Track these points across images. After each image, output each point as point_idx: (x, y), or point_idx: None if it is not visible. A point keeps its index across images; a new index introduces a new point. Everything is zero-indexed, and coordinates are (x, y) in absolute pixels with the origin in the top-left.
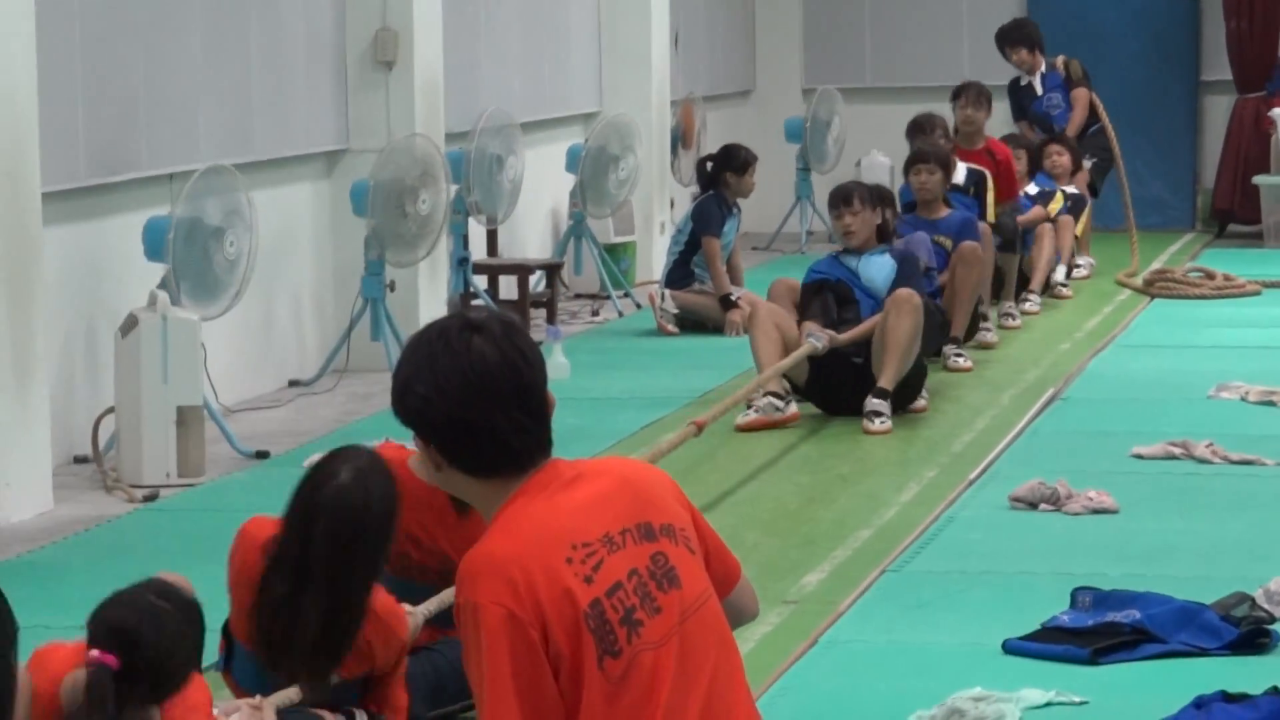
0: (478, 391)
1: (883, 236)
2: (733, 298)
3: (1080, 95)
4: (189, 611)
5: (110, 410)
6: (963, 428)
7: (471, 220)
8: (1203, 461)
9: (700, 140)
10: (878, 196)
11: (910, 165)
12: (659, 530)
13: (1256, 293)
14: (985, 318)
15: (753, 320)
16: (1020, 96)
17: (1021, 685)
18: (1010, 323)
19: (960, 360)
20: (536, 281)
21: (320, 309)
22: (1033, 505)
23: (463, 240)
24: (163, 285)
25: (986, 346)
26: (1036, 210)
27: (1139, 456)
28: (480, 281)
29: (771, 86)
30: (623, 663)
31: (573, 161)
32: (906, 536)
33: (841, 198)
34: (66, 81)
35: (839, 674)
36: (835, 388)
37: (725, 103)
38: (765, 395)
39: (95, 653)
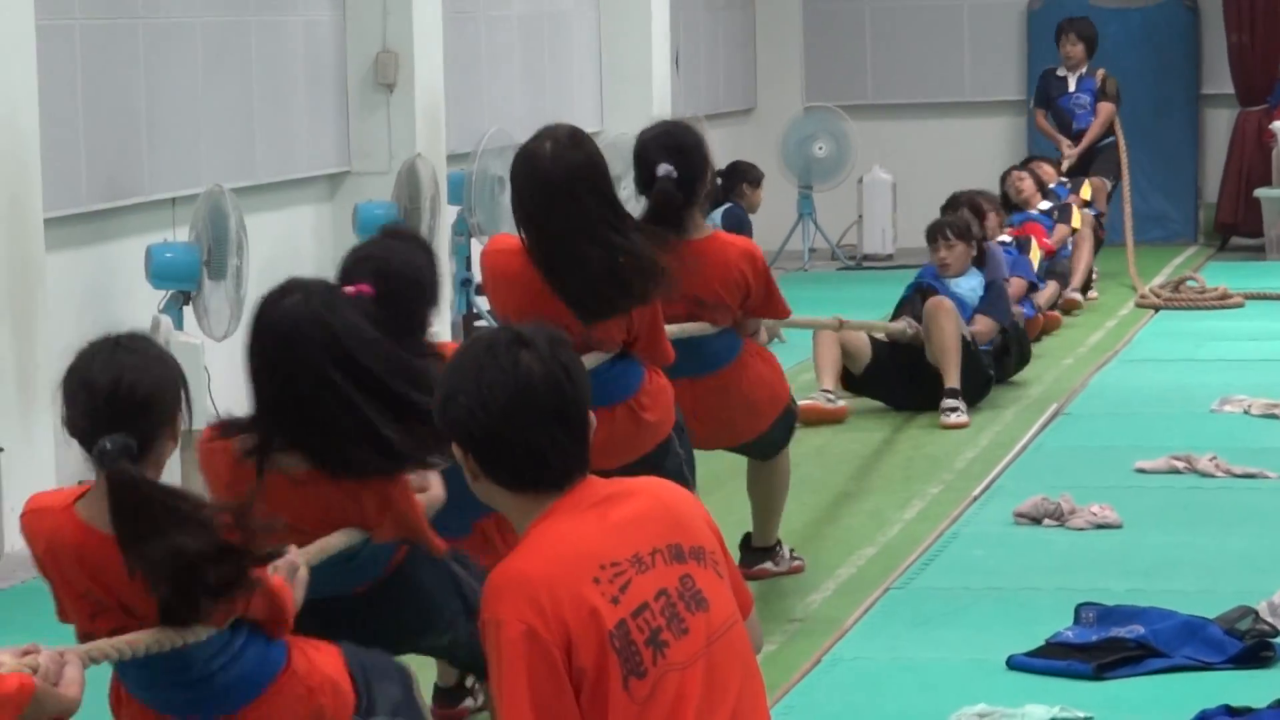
0: (520, 407)
1: (978, 261)
2: None
3: (1106, 109)
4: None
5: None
6: (966, 444)
7: (474, 241)
8: (1206, 475)
9: None
10: (967, 231)
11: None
12: (689, 552)
13: (1240, 304)
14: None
15: (819, 338)
16: (1050, 85)
17: (1026, 701)
18: None
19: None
20: None
21: None
22: (1036, 521)
23: (465, 262)
24: (166, 310)
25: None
26: (1051, 286)
27: (1142, 471)
28: (483, 303)
29: (773, 104)
30: (648, 684)
31: None
32: (910, 554)
33: (938, 232)
34: (68, 106)
35: (844, 692)
36: (892, 375)
37: (727, 121)
38: (819, 390)
39: (351, 288)
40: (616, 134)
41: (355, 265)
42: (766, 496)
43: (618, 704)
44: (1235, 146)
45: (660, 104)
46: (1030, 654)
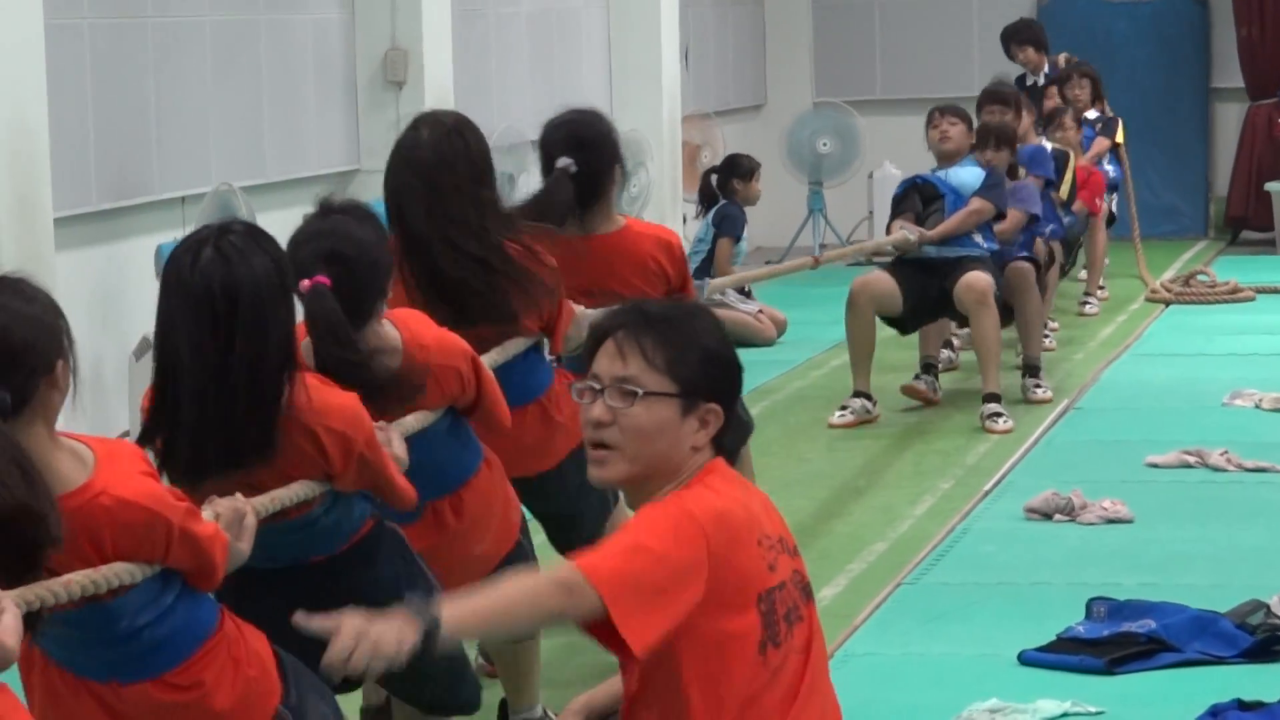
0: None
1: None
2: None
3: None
4: (369, 213)
5: (126, 434)
6: (977, 439)
7: None
8: (1217, 470)
9: (700, 158)
10: (968, 115)
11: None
12: (792, 549)
13: (1251, 299)
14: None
15: (851, 304)
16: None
17: (1038, 696)
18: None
19: (1040, 391)
20: None
21: None
22: (1047, 516)
23: None
24: None
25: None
26: (1100, 142)
27: (1153, 465)
28: None
29: (783, 100)
30: (780, 655)
31: None
32: (922, 549)
33: (937, 110)
34: (78, 106)
35: (855, 687)
36: (929, 299)
37: (736, 116)
38: (856, 396)
39: (306, 281)
40: (626, 130)
41: (303, 252)
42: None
43: (749, 665)
44: (1245, 140)
45: (670, 100)
46: (1042, 649)
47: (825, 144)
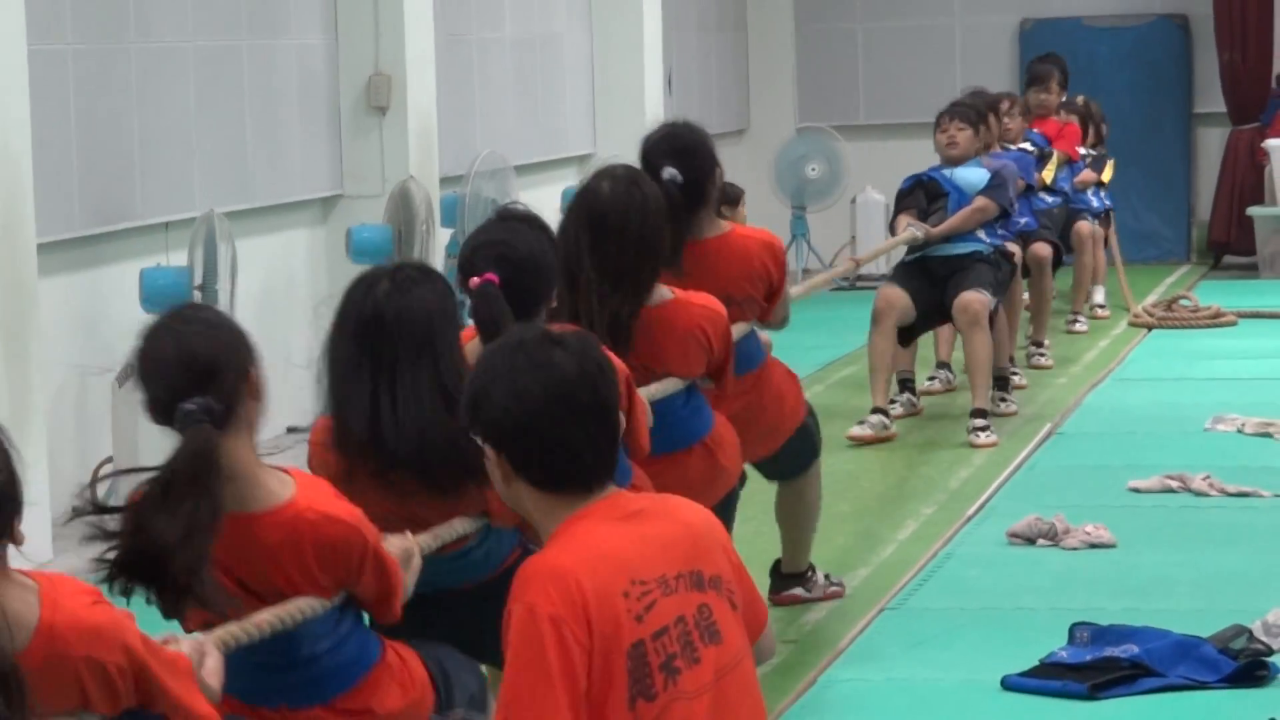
0: (556, 403)
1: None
2: None
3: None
4: (540, 223)
5: (108, 460)
6: (960, 464)
7: None
8: (1200, 494)
9: None
10: (987, 109)
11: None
12: (708, 581)
13: (1233, 323)
14: (1012, 360)
15: (876, 320)
16: None
17: None
18: (1041, 360)
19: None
20: None
21: (314, 354)
22: (1030, 541)
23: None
24: None
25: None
26: (1087, 174)
27: (1136, 490)
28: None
29: (766, 124)
30: (656, 708)
31: (568, 203)
32: (905, 574)
33: (945, 114)
34: (61, 131)
35: (839, 713)
36: (934, 307)
37: (720, 142)
38: (874, 412)
39: (476, 278)
40: (610, 156)
41: (476, 253)
42: (793, 522)
43: None
44: (1228, 165)
45: (652, 126)
46: (1025, 674)
47: (814, 169)
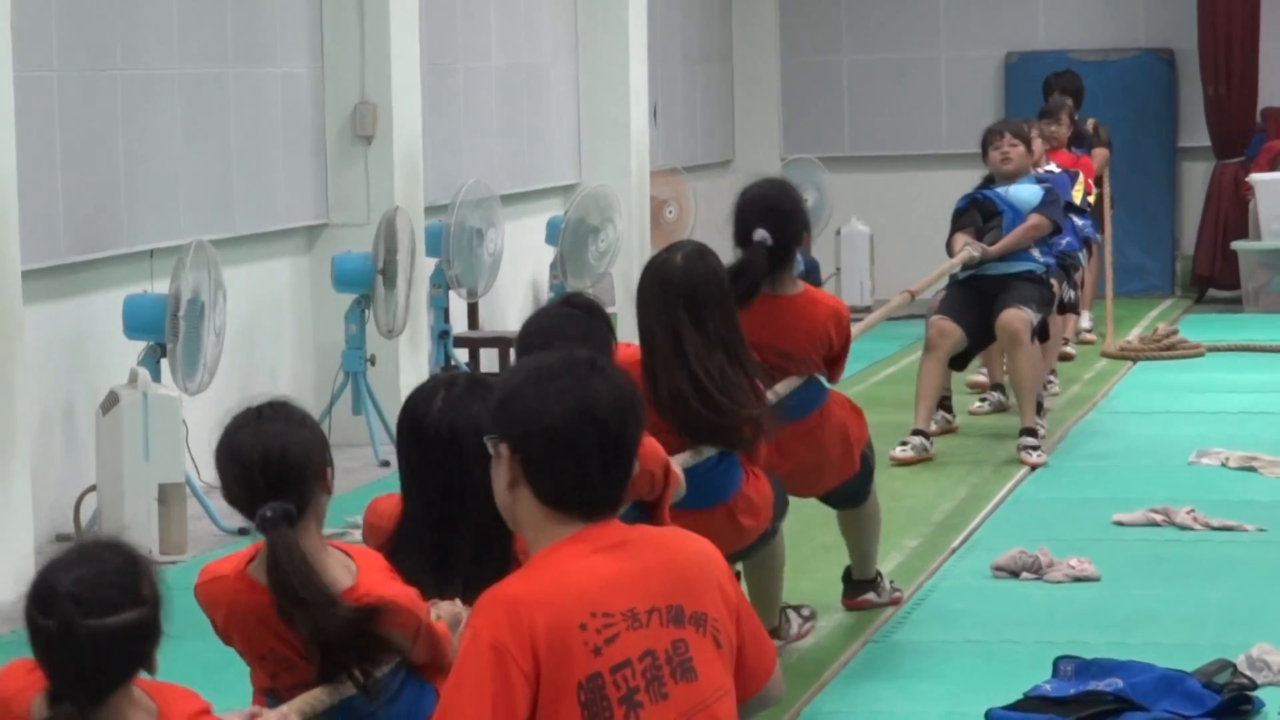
0: (583, 421)
1: None
2: None
3: (1100, 155)
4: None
5: (92, 488)
6: (944, 497)
7: (452, 293)
8: (1184, 528)
9: (665, 213)
10: (1027, 137)
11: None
12: (689, 618)
13: (1200, 354)
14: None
15: (930, 348)
16: None
17: None
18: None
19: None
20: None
21: (301, 383)
22: (1014, 574)
23: (443, 314)
24: (144, 362)
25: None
26: (1100, 153)
27: (1120, 524)
28: (461, 355)
29: (751, 156)
30: None
31: (553, 233)
32: (889, 607)
33: (996, 131)
34: (46, 158)
35: None
36: (981, 332)
37: (705, 173)
38: (915, 434)
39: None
40: (594, 186)
41: (533, 336)
42: (859, 537)
43: None
44: (1212, 199)
45: (638, 157)
46: (1009, 707)
47: (807, 199)
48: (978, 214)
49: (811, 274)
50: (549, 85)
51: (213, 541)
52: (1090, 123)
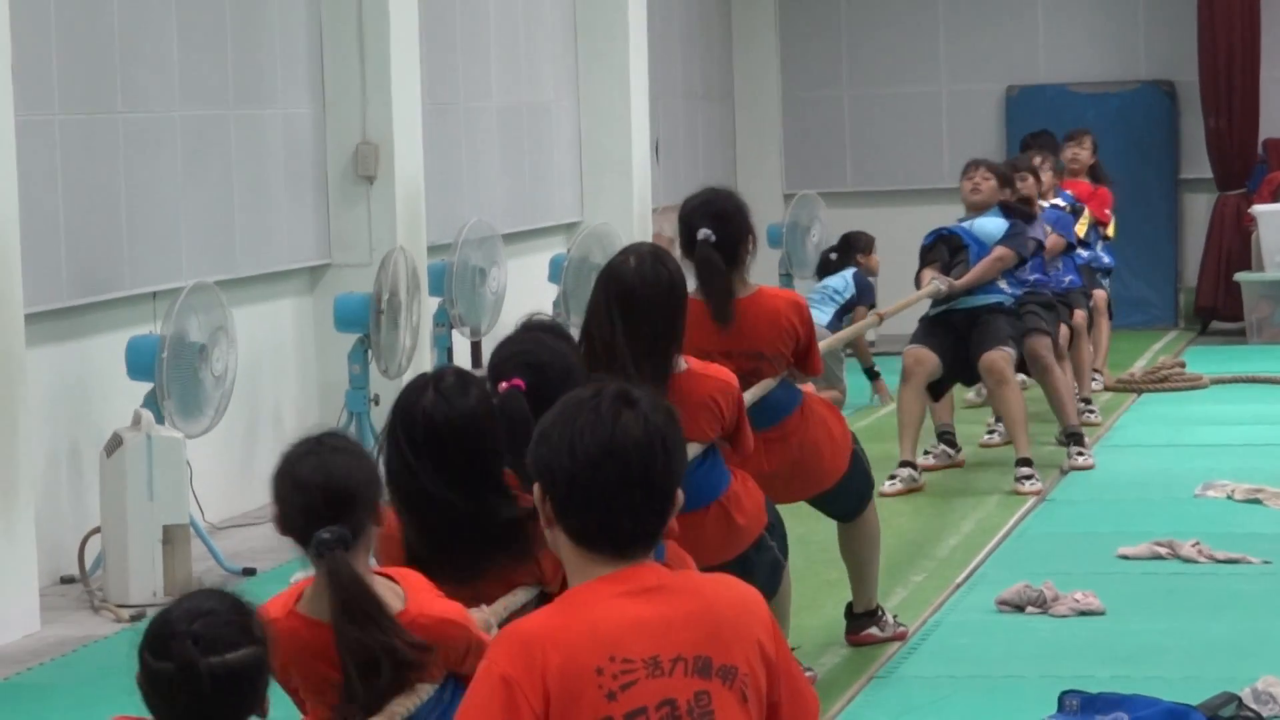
0: (608, 461)
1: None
2: (875, 369)
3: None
4: (563, 332)
5: (96, 530)
6: (949, 531)
7: (455, 333)
8: (1189, 561)
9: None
10: (1005, 177)
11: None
12: (716, 670)
13: (1204, 385)
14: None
15: (907, 377)
16: None
17: None
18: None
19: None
20: None
21: (305, 423)
22: (1019, 608)
23: (447, 353)
24: (147, 404)
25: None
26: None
27: (1125, 557)
28: None
29: (753, 192)
30: None
31: (555, 271)
32: (894, 642)
33: (972, 163)
34: (48, 201)
35: None
36: (958, 363)
37: None
38: (903, 465)
39: (504, 383)
40: (597, 224)
41: (504, 362)
42: (858, 558)
43: None
44: (1214, 231)
45: (640, 194)
46: None
47: (813, 235)
48: (945, 249)
49: (865, 295)
50: (550, 124)
51: (217, 582)
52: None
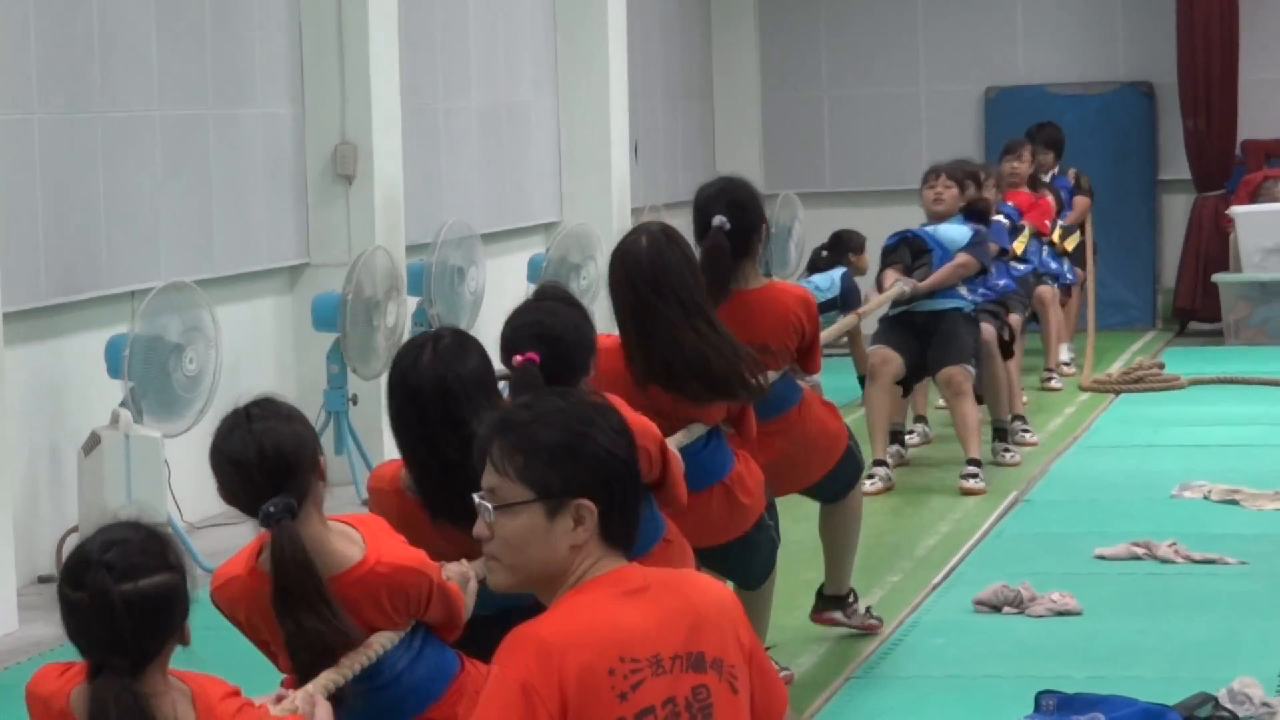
0: (633, 462)
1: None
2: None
3: (1081, 203)
4: (575, 301)
5: (74, 529)
6: (926, 532)
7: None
8: (1165, 561)
9: None
10: (968, 175)
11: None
12: (709, 663)
13: (1181, 386)
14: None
15: (874, 376)
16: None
17: None
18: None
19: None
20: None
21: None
22: (996, 608)
23: None
24: (125, 403)
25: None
26: (1081, 201)
27: (1102, 557)
28: None
29: None
30: None
31: (534, 271)
32: (871, 642)
33: (933, 171)
34: (27, 201)
35: None
36: (918, 361)
37: (686, 210)
38: (878, 465)
39: (519, 356)
40: (575, 224)
41: (517, 332)
42: (835, 539)
43: None
44: (1193, 232)
45: (619, 194)
46: None
47: (791, 234)
48: (907, 251)
49: (849, 298)
50: (529, 124)
51: (196, 580)
52: (1072, 173)
